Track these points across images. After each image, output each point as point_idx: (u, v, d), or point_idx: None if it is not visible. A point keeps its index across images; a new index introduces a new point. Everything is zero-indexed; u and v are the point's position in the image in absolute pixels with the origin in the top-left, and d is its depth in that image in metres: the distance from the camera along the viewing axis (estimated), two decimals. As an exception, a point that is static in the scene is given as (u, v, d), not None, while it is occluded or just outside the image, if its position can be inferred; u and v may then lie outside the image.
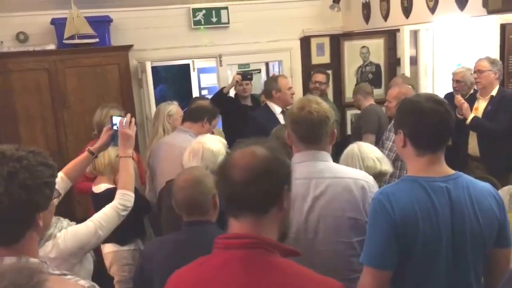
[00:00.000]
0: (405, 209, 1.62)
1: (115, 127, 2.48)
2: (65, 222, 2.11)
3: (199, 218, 1.97)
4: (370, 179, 2.02)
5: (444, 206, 1.64)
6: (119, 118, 2.48)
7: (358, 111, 5.38)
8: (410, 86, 4.28)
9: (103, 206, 2.26)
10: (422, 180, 1.68)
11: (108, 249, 3.12)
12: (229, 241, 1.29)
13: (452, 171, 1.73)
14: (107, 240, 2.73)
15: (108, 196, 2.79)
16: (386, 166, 2.59)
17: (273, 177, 1.27)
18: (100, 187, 3.14)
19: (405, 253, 1.63)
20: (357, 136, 4.25)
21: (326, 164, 1.98)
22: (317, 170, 1.95)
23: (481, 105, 4.15)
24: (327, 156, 2.00)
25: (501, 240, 1.72)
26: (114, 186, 3.13)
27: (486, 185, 1.77)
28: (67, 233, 2.02)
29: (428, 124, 1.68)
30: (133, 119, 2.44)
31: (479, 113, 4.10)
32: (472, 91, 4.57)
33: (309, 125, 1.95)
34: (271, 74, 6.86)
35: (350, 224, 1.90)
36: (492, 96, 4.06)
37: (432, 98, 1.73)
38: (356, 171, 2.08)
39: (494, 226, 1.69)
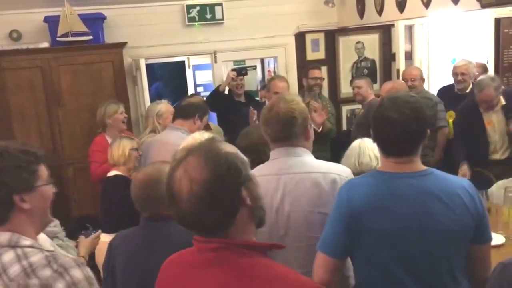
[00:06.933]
0: (362, 202, 1.65)
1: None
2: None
3: (156, 213, 1.98)
4: (345, 172, 1.95)
5: (408, 202, 1.62)
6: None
7: (353, 107, 5.41)
8: (403, 81, 4.27)
9: (110, 190, 2.87)
10: (388, 175, 1.69)
11: (103, 238, 3.12)
12: (201, 245, 1.23)
13: (423, 167, 1.71)
14: (104, 230, 2.97)
15: (114, 181, 3.31)
16: None
17: (220, 198, 1.15)
18: (111, 172, 3.40)
19: (358, 244, 1.66)
20: (365, 130, 4.12)
21: (299, 159, 1.95)
22: (287, 166, 1.93)
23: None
24: (302, 151, 1.97)
25: (479, 237, 1.68)
26: (124, 174, 3.36)
27: (461, 181, 1.72)
28: None
29: (385, 134, 1.69)
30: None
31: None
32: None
33: (276, 126, 1.95)
34: (266, 71, 6.87)
35: (321, 219, 1.84)
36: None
37: (398, 107, 1.65)
38: (332, 165, 2.01)
39: (468, 223, 1.64)
